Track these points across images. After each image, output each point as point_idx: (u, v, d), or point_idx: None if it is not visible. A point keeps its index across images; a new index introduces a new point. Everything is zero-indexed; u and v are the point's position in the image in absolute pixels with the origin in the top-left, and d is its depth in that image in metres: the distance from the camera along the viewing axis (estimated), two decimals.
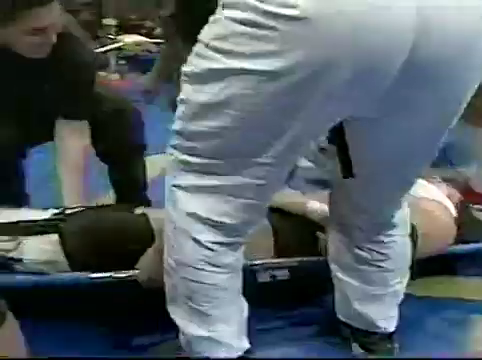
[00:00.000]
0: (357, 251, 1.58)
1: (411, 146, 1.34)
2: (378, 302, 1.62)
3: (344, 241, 1.60)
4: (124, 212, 1.87)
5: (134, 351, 1.68)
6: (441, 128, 1.34)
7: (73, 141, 2.10)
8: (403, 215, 1.59)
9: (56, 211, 1.83)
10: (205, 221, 1.30)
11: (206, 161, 1.26)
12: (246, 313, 1.44)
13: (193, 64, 1.23)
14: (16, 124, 2.11)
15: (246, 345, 1.43)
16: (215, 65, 1.18)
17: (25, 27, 1.83)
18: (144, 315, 1.71)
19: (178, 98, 1.28)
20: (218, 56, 1.17)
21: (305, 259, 1.81)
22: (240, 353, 1.40)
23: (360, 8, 1.10)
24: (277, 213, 1.83)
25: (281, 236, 1.83)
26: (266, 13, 1.09)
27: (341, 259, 1.62)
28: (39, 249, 1.70)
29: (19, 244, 1.68)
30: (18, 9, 1.80)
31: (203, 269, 1.33)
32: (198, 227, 1.31)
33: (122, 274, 1.68)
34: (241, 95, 1.17)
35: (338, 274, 1.63)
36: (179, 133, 1.29)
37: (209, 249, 1.32)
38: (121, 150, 2.24)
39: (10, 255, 1.67)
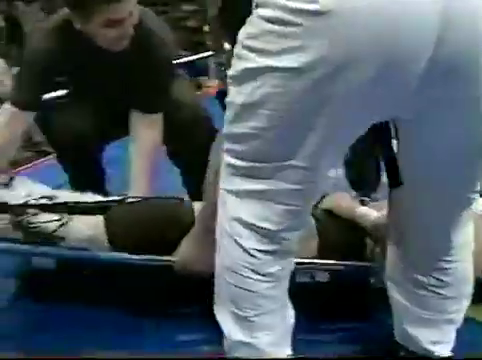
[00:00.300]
0: (414, 274, 1.50)
1: (452, 148, 1.28)
2: (432, 327, 1.53)
3: (401, 260, 1.53)
4: (173, 201, 1.89)
5: (179, 348, 1.70)
6: (480, 128, 1.26)
7: (146, 133, 2.15)
8: (465, 239, 1.48)
9: (115, 198, 1.89)
10: (249, 227, 1.30)
11: (248, 164, 1.27)
12: (292, 321, 1.42)
13: (234, 65, 1.24)
14: (96, 117, 2.21)
15: (287, 353, 1.40)
16: (249, 64, 1.19)
17: (103, 19, 1.92)
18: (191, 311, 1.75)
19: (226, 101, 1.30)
20: (252, 55, 1.18)
21: (348, 263, 1.76)
22: None
23: (382, 2, 1.08)
24: (325, 214, 1.81)
25: (326, 238, 1.79)
26: (293, 10, 1.11)
27: (397, 278, 1.55)
28: (82, 229, 1.77)
29: (64, 224, 1.76)
30: (97, 2, 1.89)
31: (247, 276, 1.33)
32: (243, 233, 1.31)
33: (163, 258, 1.70)
34: (273, 94, 1.18)
35: (392, 292, 1.56)
36: (227, 136, 1.30)
37: (253, 257, 1.32)
38: (193, 155, 2.27)
39: (55, 234, 1.75)
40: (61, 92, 2.41)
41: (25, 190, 1.89)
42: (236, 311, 1.35)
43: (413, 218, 1.45)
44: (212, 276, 1.53)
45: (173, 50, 2.23)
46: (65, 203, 1.81)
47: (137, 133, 2.16)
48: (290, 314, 1.42)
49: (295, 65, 1.13)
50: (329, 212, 1.83)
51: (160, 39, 2.11)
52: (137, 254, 1.73)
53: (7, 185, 1.97)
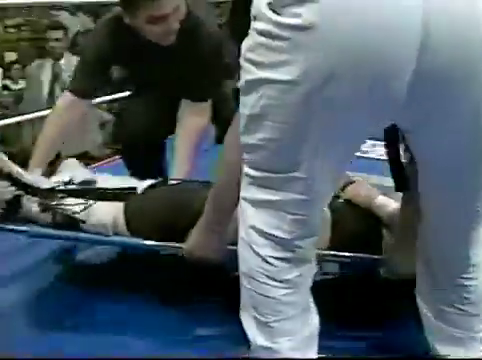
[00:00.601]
0: (436, 289, 1.45)
1: (453, 156, 1.23)
2: (459, 346, 1.46)
3: (424, 273, 1.48)
4: (195, 185, 1.86)
5: (193, 342, 1.67)
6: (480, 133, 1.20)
7: (193, 120, 2.16)
8: None
9: (153, 182, 1.89)
10: (264, 234, 1.30)
11: (262, 174, 1.27)
12: (315, 326, 1.38)
13: (240, 77, 1.25)
14: (153, 112, 2.23)
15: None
16: (250, 76, 1.20)
17: (146, 15, 1.93)
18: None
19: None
20: (251, 68, 1.19)
21: (359, 255, 1.66)
22: None
23: (365, 14, 1.07)
24: (343, 203, 1.74)
25: (342, 227, 1.69)
26: (280, 24, 1.12)
27: (424, 292, 1.49)
28: (103, 213, 1.77)
29: (88, 207, 1.77)
30: None
31: (265, 283, 1.32)
32: (259, 240, 1.31)
33: (176, 245, 1.69)
34: (271, 105, 1.18)
35: (421, 307, 1.50)
36: (242, 146, 1.30)
37: (270, 264, 1.31)
38: None
39: (77, 216, 1.76)
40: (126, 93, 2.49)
41: (69, 174, 1.93)
42: (258, 316, 1.35)
43: (425, 228, 1.41)
44: (220, 264, 1.60)
45: (217, 38, 2.18)
46: (91, 190, 1.83)
47: (183, 120, 2.18)
48: (313, 319, 1.38)
49: (286, 78, 1.14)
50: (347, 201, 1.75)
51: (208, 29, 2.11)
52: (150, 240, 1.72)
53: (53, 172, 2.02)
